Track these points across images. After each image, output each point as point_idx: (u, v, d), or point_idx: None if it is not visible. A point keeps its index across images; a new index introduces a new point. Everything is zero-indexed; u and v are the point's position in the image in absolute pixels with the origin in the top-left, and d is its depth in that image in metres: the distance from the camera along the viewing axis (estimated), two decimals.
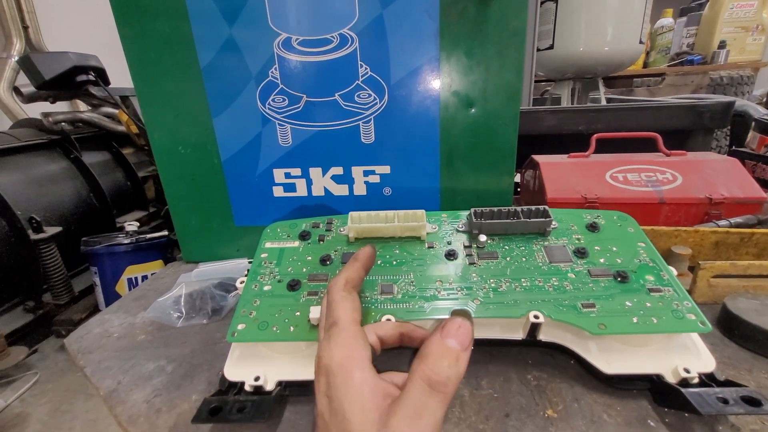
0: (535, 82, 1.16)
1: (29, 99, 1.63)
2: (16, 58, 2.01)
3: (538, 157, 0.61)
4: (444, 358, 0.20)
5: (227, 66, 0.44)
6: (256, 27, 0.43)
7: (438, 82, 0.43)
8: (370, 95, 0.45)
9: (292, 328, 0.30)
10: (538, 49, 0.90)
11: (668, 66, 1.91)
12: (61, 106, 2.19)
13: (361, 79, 0.44)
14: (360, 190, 0.49)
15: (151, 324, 0.42)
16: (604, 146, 0.61)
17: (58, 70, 1.47)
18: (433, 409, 0.19)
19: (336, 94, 0.45)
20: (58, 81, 1.50)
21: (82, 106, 2.24)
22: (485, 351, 0.34)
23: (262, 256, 0.36)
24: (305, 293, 0.32)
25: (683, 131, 0.72)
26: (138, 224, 1.78)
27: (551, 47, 0.87)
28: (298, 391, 0.30)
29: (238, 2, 0.42)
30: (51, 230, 1.51)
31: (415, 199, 0.49)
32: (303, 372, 0.30)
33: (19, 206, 1.47)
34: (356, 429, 0.19)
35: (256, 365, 0.30)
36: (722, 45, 1.81)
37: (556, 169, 0.57)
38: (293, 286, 0.33)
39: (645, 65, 1.97)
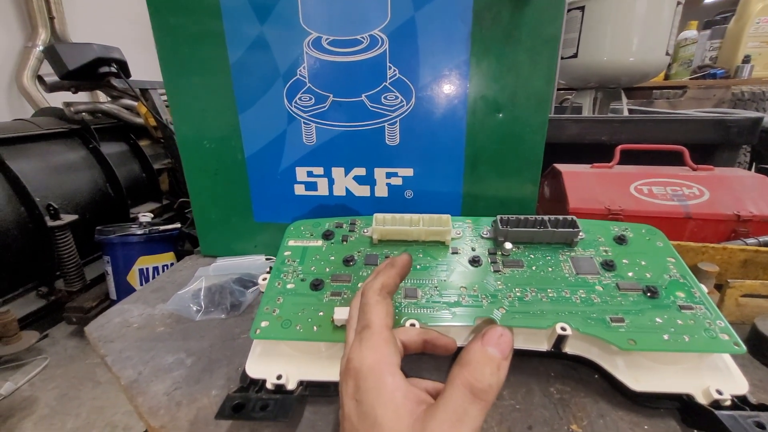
0: (559, 89, 1.15)
1: (52, 88, 1.66)
2: (41, 47, 2.05)
3: (560, 166, 0.60)
4: (486, 366, 0.20)
5: (256, 63, 0.45)
6: (288, 25, 0.43)
7: (466, 87, 0.43)
8: (397, 97, 0.44)
9: (315, 328, 0.30)
10: (562, 58, 0.89)
11: (690, 79, 1.88)
12: (82, 97, 2.23)
13: (388, 81, 0.44)
14: (381, 191, 0.49)
15: (170, 316, 0.42)
16: (627, 158, 0.60)
17: (82, 61, 1.49)
18: (473, 416, 0.18)
19: (363, 95, 0.45)
20: (81, 72, 1.52)
21: (102, 97, 2.27)
22: None
23: (286, 254, 0.36)
24: (328, 293, 0.32)
25: (709, 146, 0.70)
26: (152, 215, 1.81)
27: (575, 56, 0.86)
28: (318, 391, 0.30)
29: (271, 1, 0.42)
30: (67, 218, 1.53)
31: (436, 203, 0.48)
32: (324, 372, 0.30)
33: (38, 193, 1.50)
34: None
35: (278, 363, 0.30)
36: (747, 60, 1.78)
37: (579, 179, 0.56)
38: (317, 285, 0.33)
39: (666, 77, 1.95)
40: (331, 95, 0.45)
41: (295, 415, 0.28)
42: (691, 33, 1.88)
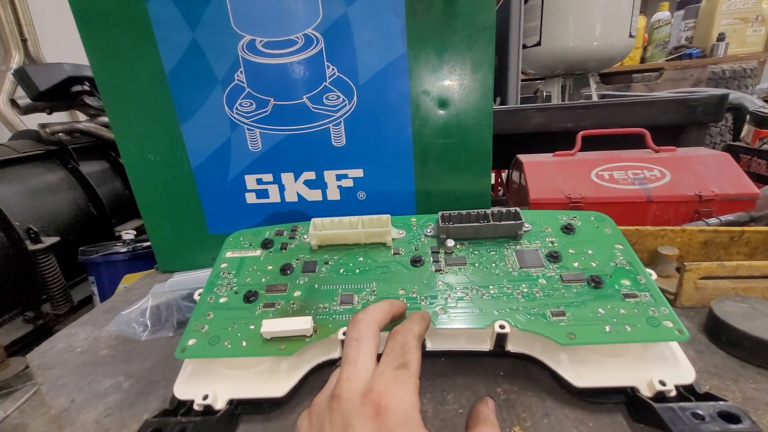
0: (527, 80, 1.14)
1: (26, 110, 1.64)
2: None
3: (522, 157, 0.59)
4: None
5: (192, 70, 0.43)
6: (220, 30, 0.41)
7: (407, 82, 0.42)
8: (338, 97, 0.43)
9: (244, 343, 0.28)
10: (525, 46, 0.88)
11: (666, 60, 1.87)
12: (61, 117, 2.21)
13: (328, 81, 0.43)
14: (333, 194, 0.48)
15: (116, 338, 0.41)
16: (593, 144, 0.59)
17: (53, 81, 1.48)
18: None
19: (304, 97, 0.44)
20: (53, 92, 1.50)
21: (81, 116, 2.25)
22: (454, 362, 0.33)
23: (222, 266, 0.35)
24: (261, 305, 0.31)
25: (676, 126, 0.69)
26: (135, 233, 1.79)
27: (539, 44, 0.85)
28: (251, 409, 0.28)
29: (200, 5, 0.41)
30: (49, 240, 1.51)
31: (390, 203, 0.47)
32: (257, 389, 0.29)
33: (17, 217, 1.48)
34: None
35: (208, 382, 0.29)
36: (721, 37, 1.77)
37: (540, 169, 0.55)
38: (249, 297, 0.31)
39: (642, 60, 1.94)
40: (272, 99, 0.44)
41: None
42: (664, 14, 1.88)
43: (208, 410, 0.27)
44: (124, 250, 1.50)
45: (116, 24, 0.42)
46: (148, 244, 1.58)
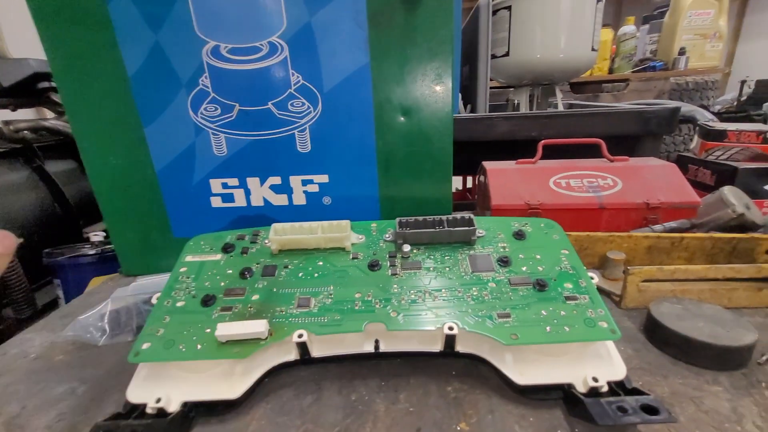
0: (498, 88, 1.17)
1: None
2: None
3: (487, 164, 0.61)
4: None
5: (156, 74, 0.43)
6: (183, 34, 0.42)
7: (371, 90, 0.43)
8: (303, 104, 0.44)
9: (199, 346, 0.29)
10: (494, 56, 0.91)
11: (632, 72, 1.96)
12: (26, 114, 2.12)
13: (293, 88, 0.43)
14: (299, 199, 0.48)
15: (73, 343, 0.40)
16: (555, 153, 0.62)
17: (17, 78, 1.42)
18: None
19: (269, 103, 0.44)
20: (18, 88, 1.45)
21: (48, 113, 2.17)
22: (409, 363, 0.34)
23: (181, 270, 0.35)
24: (218, 309, 0.31)
25: (633, 137, 0.73)
26: (104, 234, 1.73)
27: (507, 54, 0.88)
28: (205, 411, 0.29)
29: (162, 9, 0.41)
30: None
31: (355, 208, 0.48)
32: (211, 391, 0.29)
33: None
34: None
35: (162, 386, 0.29)
36: (682, 51, 1.88)
37: (503, 176, 0.57)
38: (207, 301, 0.32)
39: (610, 71, 2.03)
40: (237, 104, 0.44)
41: None
42: (630, 28, 1.97)
43: (161, 413, 0.27)
44: (92, 252, 1.45)
45: (75, 23, 0.42)
46: None
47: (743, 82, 2.33)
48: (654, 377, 0.32)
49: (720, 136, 0.68)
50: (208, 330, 0.30)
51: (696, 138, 0.73)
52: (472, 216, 0.36)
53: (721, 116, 1.23)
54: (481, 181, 0.66)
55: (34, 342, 0.41)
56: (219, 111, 0.44)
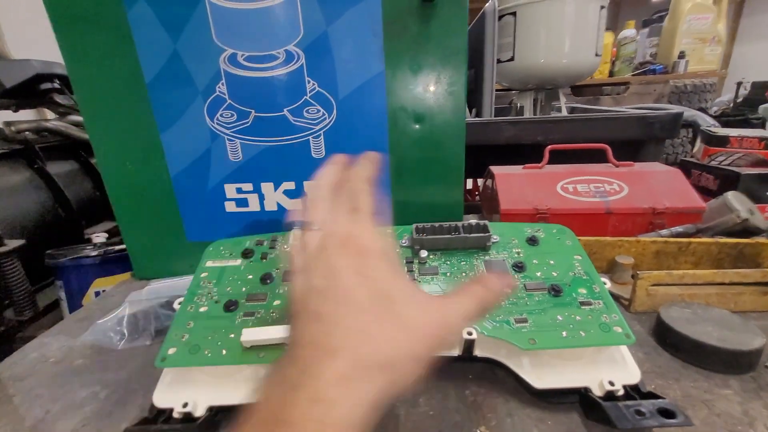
0: (502, 90, 1.18)
1: None
2: None
3: (495, 168, 0.62)
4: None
5: (173, 81, 0.44)
6: (201, 42, 0.42)
7: (385, 98, 0.44)
8: (318, 111, 0.45)
9: (224, 351, 0.29)
10: (500, 61, 0.92)
11: (632, 75, 1.98)
12: (28, 115, 2.12)
13: (309, 95, 0.44)
14: None
15: (91, 347, 0.40)
16: (561, 157, 0.63)
17: (20, 79, 1.42)
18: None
19: (285, 110, 0.45)
20: (21, 89, 1.45)
21: (49, 114, 2.16)
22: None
23: (202, 275, 0.36)
24: (241, 314, 0.32)
25: (636, 141, 0.74)
26: (107, 235, 1.73)
27: (512, 59, 0.89)
28: (231, 416, 0.29)
29: (181, 17, 0.41)
30: (12, 243, 1.44)
31: None
32: (236, 396, 0.30)
33: None
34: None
35: (188, 390, 0.30)
36: (682, 55, 1.90)
37: (510, 181, 0.58)
38: (230, 306, 0.32)
39: (611, 74, 2.05)
40: (253, 111, 0.45)
41: None
42: (630, 32, 1.99)
43: (188, 418, 0.28)
44: (94, 253, 1.45)
45: (95, 30, 0.42)
46: (121, 247, 1.53)
47: (739, 84, 2.35)
48: (666, 381, 0.33)
49: (722, 141, 0.69)
50: (233, 335, 0.30)
51: (698, 143, 0.74)
52: (487, 223, 0.37)
53: (719, 119, 1.25)
54: (488, 185, 0.67)
55: (51, 346, 0.42)
56: (235, 117, 0.45)
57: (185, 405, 0.28)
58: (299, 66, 0.43)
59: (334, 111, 0.45)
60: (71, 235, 1.73)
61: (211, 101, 0.45)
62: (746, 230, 0.50)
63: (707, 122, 0.76)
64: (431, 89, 0.43)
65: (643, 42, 2.11)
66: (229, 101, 0.45)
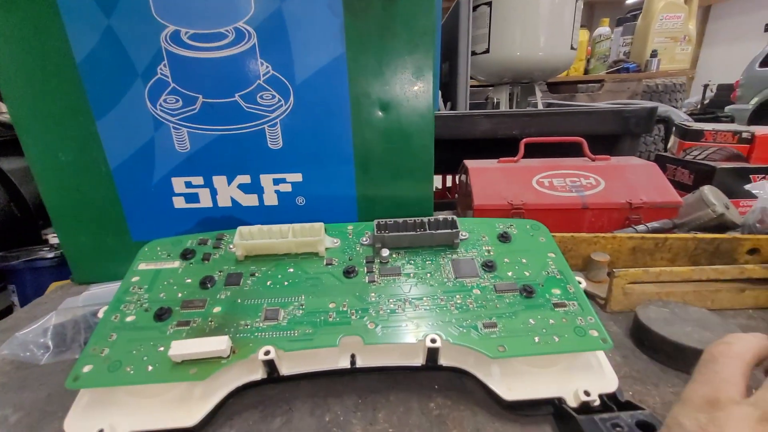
0: (478, 86, 1.16)
1: None
2: None
3: (469, 162, 0.59)
4: None
5: (108, 61, 0.39)
6: (139, 18, 0.38)
7: (347, 83, 0.40)
8: (273, 96, 0.41)
9: (150, 368, 0.25)
10: (474, 53, 0.89)
11: (607, 73, 2.00)
12: None
13: (262, 79, 0.40)
14: (271, 200, 0.45)
15: (11, 363, 0.35)
16: (537, 151, 0.61)
17: None
18: None
19: (236, 95, 0.41)
20: None
21: (3, 107, 2.02)
22: (389, 377, 0.31)
23: (133, 280, 0.32)
24: (174, 324, 0.28)
25: (612, 136, 0.73)
26: None
27: (487, 51, 0.87)
28: None
29: None
30: None
31: (331, 209, 0.45)
32: (165, 419, 0.26)
33: None
34: None
35: (107, 414, 0.25)
36: (654, 54, 1.93)
37: (485, 175, 0.55)
38: (161, 315, 0.28)
39: (586, 72, 2.07)
40: (201, 96, 0.41)
41: None
42: (605, 30, 2.01)
43: None
44: (51, 255, 1.36)
45: (15, 3, 0.37)
46: None
47: (706, 86, 2.43)
48: (644, 386, 0.30)
49: (697, 135, 0.69)
50: (162, 348, 0.26)
51: (673, 138, 0.73)
52: (455, 218, 0.34)
53: (691, 118, 1.28)
54: (462, 181, 0.64)
55: None
56: (180, 103, 0.41)
57: (100, 431, 0.24)
58: (251, 46, 0.39)
59: (291, 97, 0.41)
60: (27, 236, 1.62)
61: (153, 84, 0.40)
62: (722, 225, 0.49)
63: (681, 117, 0.76)
64: (398, 74, 0.40)
65: (617, 40, 2.15)
66: (173, 85, 0.40)
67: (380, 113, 0.41)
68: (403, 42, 0.39)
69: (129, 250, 0.47)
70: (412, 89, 0.40)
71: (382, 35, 0.38)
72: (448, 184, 1.13)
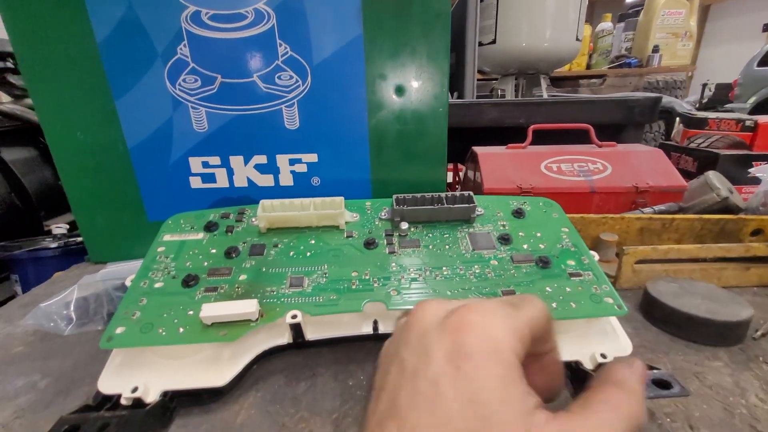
0: (483, 80, 1.17)
1: None
2: None
3: (477, 149, 0.60)
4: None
5: (128, 41, 0.40)
6: None
7: (363, 64, 0.41)
8: (291, 77, 0.41)
9: (181, 330, 0.26)
10: (481, 44, 0.90)
11: (609, 68, 2.02)
12: None
13: (281, 59, 0.41)
14: (286, 180, 0.46)
15: (34, 333, 0.36)
16: (543, 138, 0.62)
17: None
18: None
19: (254, 75, 0.41)
20: None
21: (5, 97, 2.01)
22: None
23: (159, 250, 0.32)
24: (202, 290, 0.29)
25: (617, 125, 0.74)
26: (68, 227, 1.63)
27: (494, 42, 0.88)
28: (187, 401, 0.26)
29: None
30: None
31: (345, 190, 0.46)
32: (195, 379, 0.26)
33: None
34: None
35: (139, 374, 0.26)
36: (656, 49, 1.95)
37: (494, 160, 0.56)
38: (188, 282, 0.29)
39: (588, 66, 2.08)
40: (220, 76, 0.41)
41: (150, 429, 0.24)
42: (607, 25, 2.03)
43: (138, 404, 0.25)
44: (54, 245, 1.36)
45: None
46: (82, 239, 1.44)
47: (704, 86, 2.45)
48: (656, 354, 0.31)
49: (701, 123, 0.70)
50: (191, 312, 0.27)
51: (677, 126, 0.74)
52: (471, 193, 0.35)
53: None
54: (471, 167, 0.65)
55: None
56: (199, 83, 0.41)
57: (135, 389, 0.24)
58: (270, 27, 0.40)
59: (309, 78, 0.41)
60: (29, 226, 1.62)
61: (172, 64, 0.41)
62: (726, 209, 0.50)
63: (684, 108, 0.77)
64: (414, 56, 0.41)
65: (619, 36, 2.16)
66: (192, 65, 0.41)
67: (395, 95, 0.42)
68: (418, 24, 0.39)
69: (145, 230, 0.48)
70: (428, 71, 0.41)
71: (399, 16, 0.39)
72: (449, 180, 1.14)
